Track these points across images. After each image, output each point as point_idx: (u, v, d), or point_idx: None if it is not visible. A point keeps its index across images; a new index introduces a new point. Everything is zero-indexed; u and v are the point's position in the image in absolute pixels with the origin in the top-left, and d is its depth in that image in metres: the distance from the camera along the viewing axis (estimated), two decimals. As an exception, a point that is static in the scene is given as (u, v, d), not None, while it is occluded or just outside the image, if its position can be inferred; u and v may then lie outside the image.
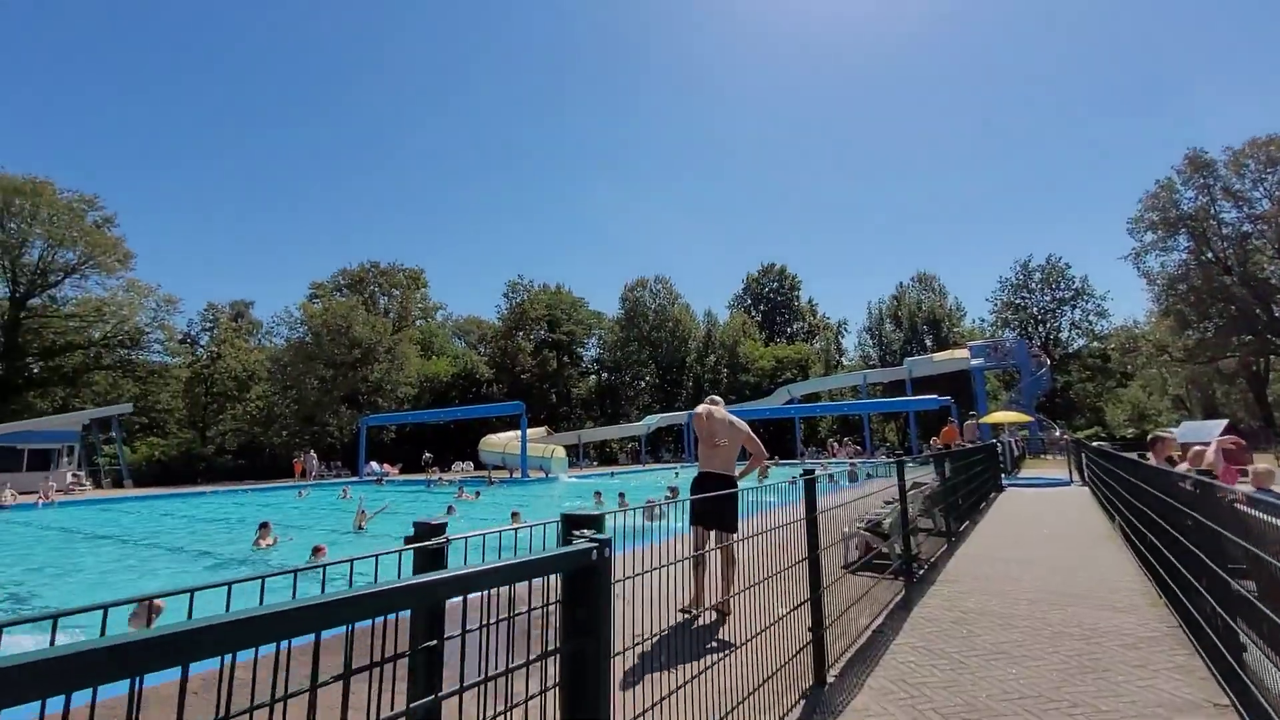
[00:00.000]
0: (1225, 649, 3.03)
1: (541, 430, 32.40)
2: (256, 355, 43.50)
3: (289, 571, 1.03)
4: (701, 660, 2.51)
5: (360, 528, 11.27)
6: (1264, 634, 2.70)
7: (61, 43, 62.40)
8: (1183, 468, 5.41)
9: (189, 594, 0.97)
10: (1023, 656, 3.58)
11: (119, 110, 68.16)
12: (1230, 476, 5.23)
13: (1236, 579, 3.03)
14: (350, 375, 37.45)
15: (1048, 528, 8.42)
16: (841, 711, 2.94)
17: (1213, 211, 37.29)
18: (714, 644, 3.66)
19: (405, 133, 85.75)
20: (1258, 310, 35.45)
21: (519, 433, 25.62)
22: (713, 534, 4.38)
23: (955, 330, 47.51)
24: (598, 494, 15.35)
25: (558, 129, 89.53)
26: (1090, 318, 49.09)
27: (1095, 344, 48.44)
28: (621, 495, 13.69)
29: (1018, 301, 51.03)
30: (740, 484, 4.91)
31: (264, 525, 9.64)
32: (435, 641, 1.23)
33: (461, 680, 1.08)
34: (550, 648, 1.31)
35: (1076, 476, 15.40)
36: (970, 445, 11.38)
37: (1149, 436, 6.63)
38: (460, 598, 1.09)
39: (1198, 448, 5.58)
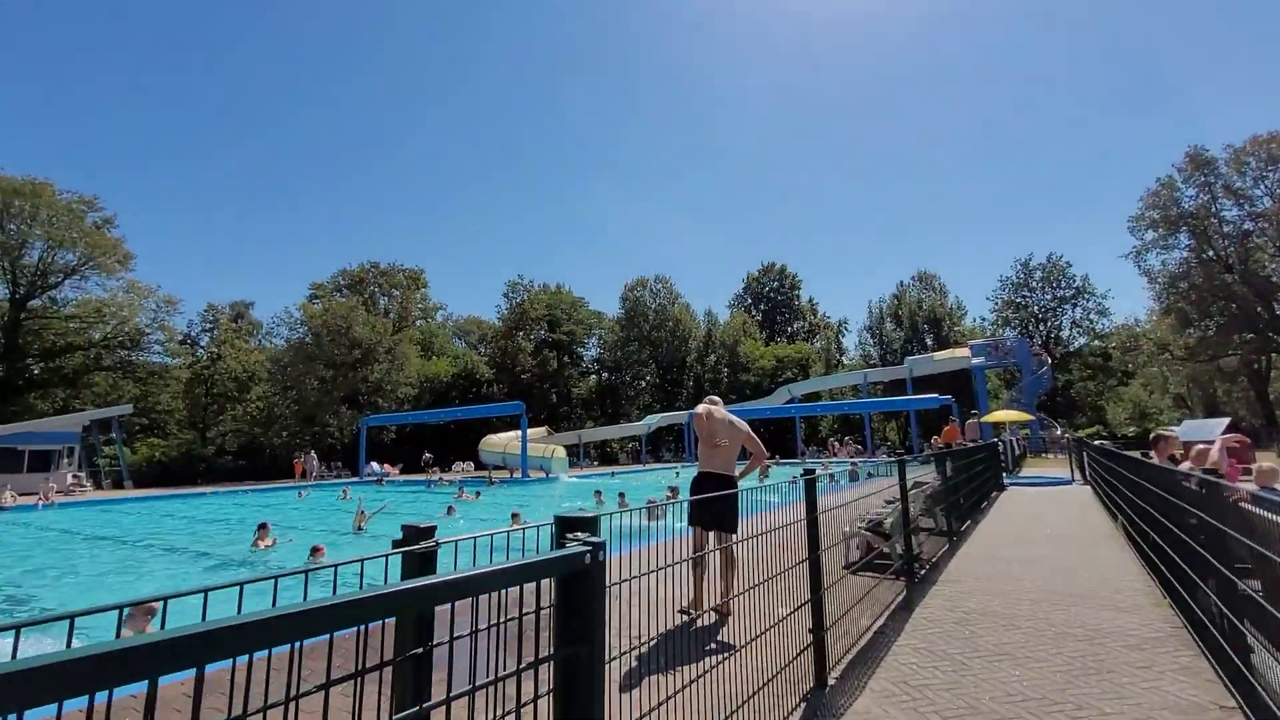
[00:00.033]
0: (1231, 650, 2.99)
1: (542, 430, 32.37)
2: (257, 356, 43.50)
3: (269, 578, 1.00)
4: (701, 663, 2.47)
5: (360, 528, 11.24)
6: (1271, 635, 2.67)
7: (61, 43, 62.44)
8: (1185, 466, 5.38)
9: (168, 599, 0.94)
10: (1026, 658, 3.54)
11: (118, 110, 68.23)
12: (1234, 475, 5.20)
13: (1242, 579, 2.99)
14: (350, 376, 37.44)
15: (1049, 527, 8.37)
16: (843, 714, 2.91)
17: (1214, 209, 37.21)
18: (714, 645, 3.62)
19: (405, 133, 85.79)
20: (1259, 308, 35.38)
21: (519, 433, 25.59)
22: (712, 534, 4.35)
23: (956, 329, 47.46)
24: (598, 493, 15.32)
25: (558, 129, 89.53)
26: (1091, 316, 49.08)
27: (1096, 342, 48.39)
28: (621, 495, 13.66)
29: (1018, 300, 50.98)
30: (741, 484, 4.88)
31: (262, 526, 9.62)
32: (423, 648, 1.19)
33: (449, 689, 1.05)
34: (544, 653, 1.28)
35: (1078, 475, 15.36)
36: (972, 444, 11.34)
37: (1152, 435, 6.59)
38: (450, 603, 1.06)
39: (1201, 446, 5.54)
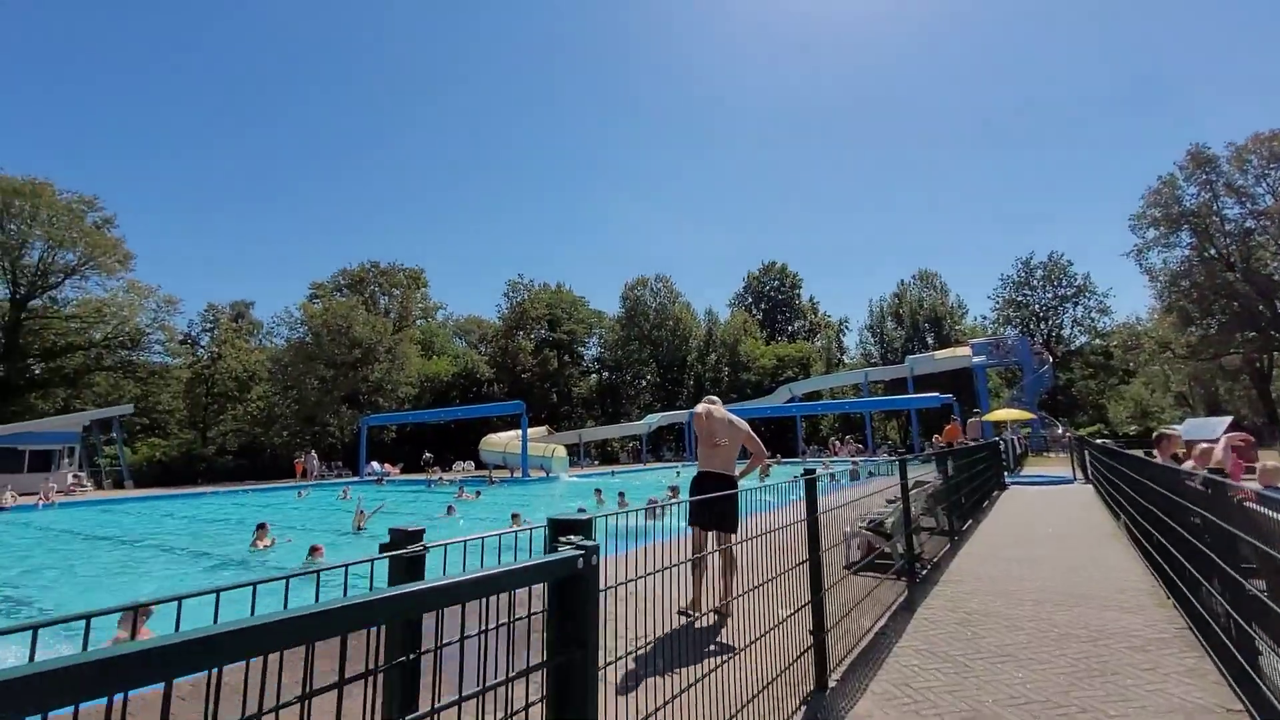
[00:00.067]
0: (1238, 652, 2.95)
1: (542, 430, 32.34)
2: (257, 355, 43.49)
3: (246, 585, 0.96)
4: (700, 666, 2.44)
5: (359, 528, 11.22)
6: (1278, 636, 2.63)
7: (61, 42, 62.42)
8: (1188, 465, 5.34)
9: (147, 604, 0.90)
10: (1029, 659, 3.51)
11: (118, 110, 68.20)
12: (1238, 474, 5.15)
13: (1247, 579, 2.95)
14: (351, 375, 37.42)
15: (1051, 526, 8.33)
16: (844, 718, 2.87)
17: (1215, 207, 37.12)
18: (713, 647, 3.59)
19: (405, 132, 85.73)
20: (1261, 307, 35.30)
21: (520, 432, 25.56)
22: (712, 535, 4.31)
23: (957, 328, 47.39)
24: (598, 491, 15.29)
25: (558, 128, 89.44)
26: (1092, 315, 49.02)
27: (1097, 341, 48.32)
28: (621, 495, 13.63)
29: (1019, 299, 50.90)
30: (741, 484, 4.85)
31: (261, 526, 9.59)
32: (412, 655, 1.16)
33: (434, 698, 1.01)
34: (537, 658, 1.25)
35: (1079, 474, 15.31)
36: (973, 443, 11.30)
37: (1155, 434, 6.55)
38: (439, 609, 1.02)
39: (1204, 445, 5.49)
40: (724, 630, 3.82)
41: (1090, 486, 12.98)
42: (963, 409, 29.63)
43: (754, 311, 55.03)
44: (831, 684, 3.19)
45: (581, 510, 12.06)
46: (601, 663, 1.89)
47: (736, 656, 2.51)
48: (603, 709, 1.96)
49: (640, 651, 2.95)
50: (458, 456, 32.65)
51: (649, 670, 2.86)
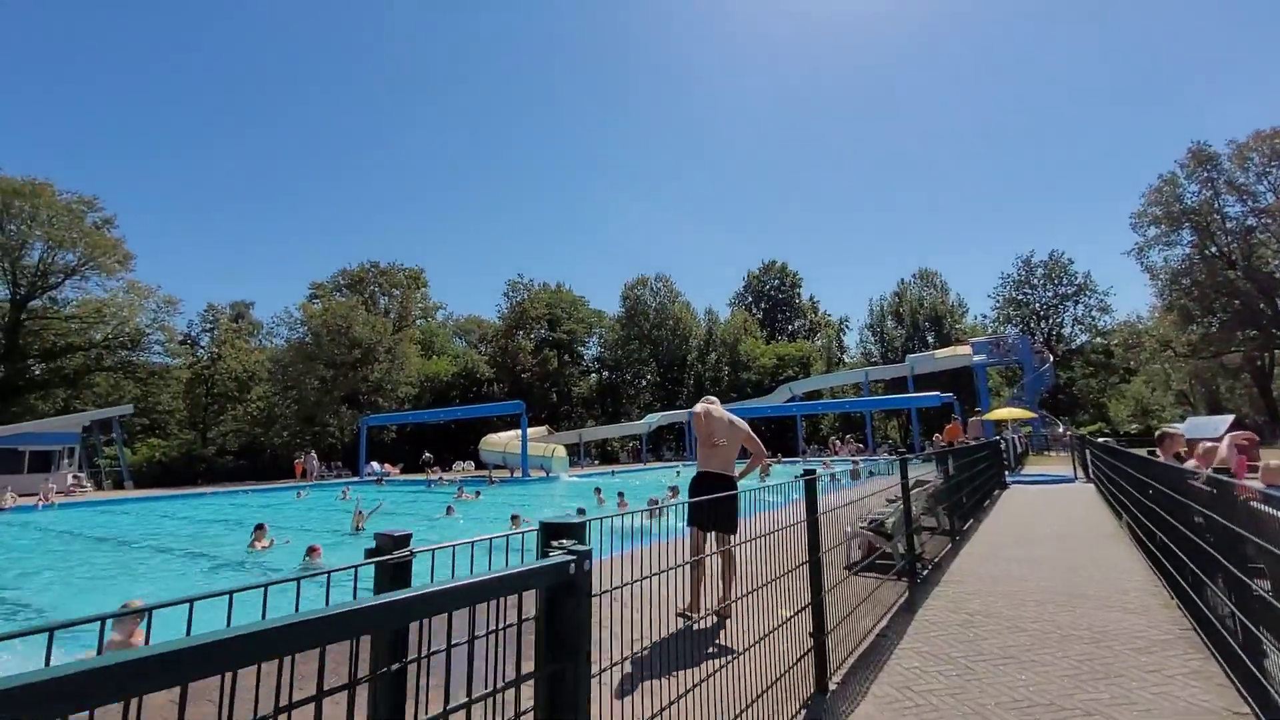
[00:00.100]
0: (1244, 653, 2.91)
1: (542, 429, 32.31)
2: (257, 356, 43.48)
3: (222, 594, 0.92)
4: (699, 669, 2.40)
5: (358, 528, 11.18)
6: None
7: (60, 42, 62.38)
8: (1191, 464, 5.30)
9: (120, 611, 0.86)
10: (1031, 661, 3.47)
11: (118, 110, 68.17)
12: (1242, 473, 5.11)
13: (1252, 579, 2.92)
14: (350, 375, 37.40)
15: (1053, 526, 8.29)
16: (844, 721, 2.83)
17: (1216, 205, 37.07)
18: (713, 649, 3.55)
19: (404, 132, 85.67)
20: (1262, 305, 35.24)
21: (519, 432, 25.54)
22: (711, 535, 4.27)
23: (957, 327, 47.32)
24: (598, 490, 15.25)
25: (558, 127, 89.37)
26: (1093, 313, 48.95)
27: (1098, 339, 48.25)
28: (621, 495, 13.60)
29: (1020, 297, 50.84)
30: (741, 484, 4.80)
31: (259, 527, 9.56)
32: (398, 664, 1.12)
33: (419, 711, 0.98)
34: (529, 665, 1.21)
35: (1081, 473, 15.27)
36: (974, 442, 11.25)
37: (1157, 433, 6.50)
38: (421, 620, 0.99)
39: (1208, 444, 5.45)
40: (723, 632, 3.78)
41: (1091, 485, 12.93)
42: (963, 408, 29.60)
43: (754, 311, 54.98)
44: (832, 687, 3.16)
45: (581, 511, 12.04)
46: (597, 669, 1.86)
47: (736, 659, 2.48)
48: (601, 714, 1.93)
49: (638, 654, 2.91)
50: (457, 456, 32.63)
51: (647, 673, 2.83)
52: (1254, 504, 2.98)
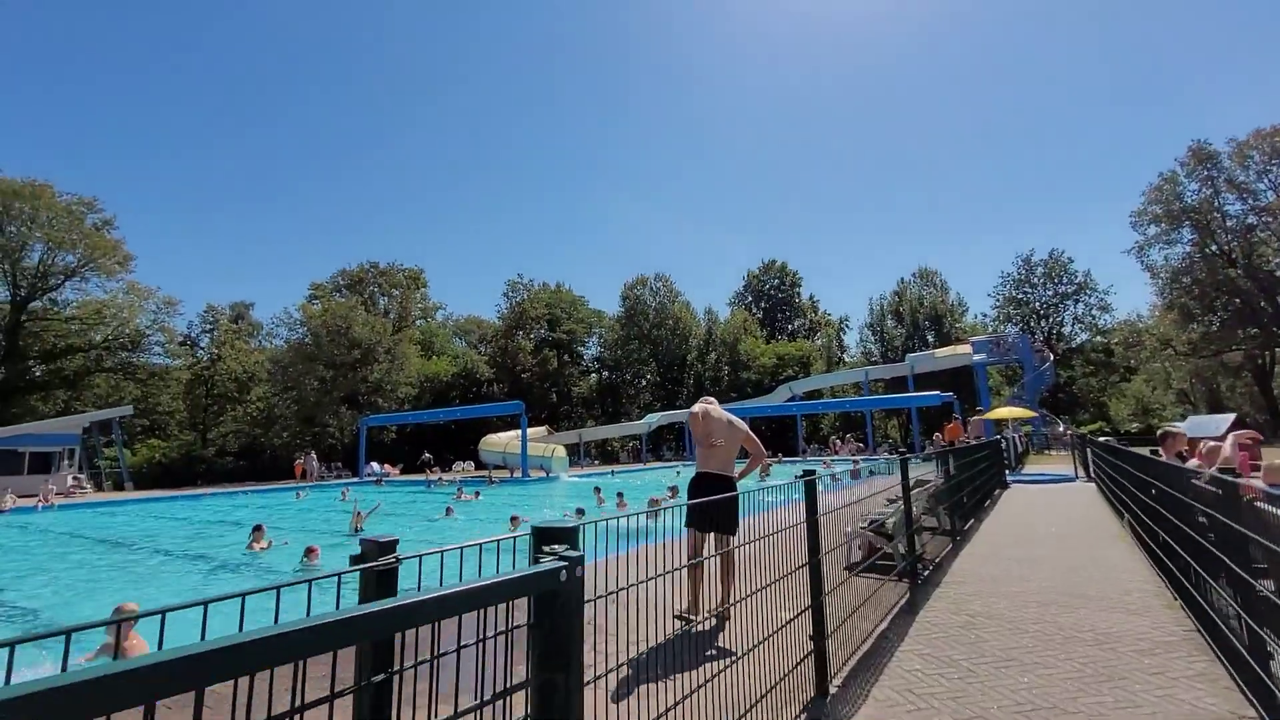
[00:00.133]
0: (1249, 656, 2.88)
1: (542, 429, 32.28)
2: (257, 357, 43.47)
3: (197, 604, 0.89)
4: (698, 672, 2.37)
5: (357, 529, 11.15)
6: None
7: (60, 42, 62.36)
8: (1193, 463, 5.26)
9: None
10: (1034, 664, 3.43)
11: (118, 110, 68.15)
12: (1246, 472, 5.07)
13: (1257, 579, 2.88)
14: (350, 376, 37.37)
15: (1054, 525, 8.26)
16: (845, 725, 2.80)
17: (1217, 204, 37.03)
18: (713, 651, 3.52)
19: (404, 132, 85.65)
20: (1263, 303, 35.19)
21: (519, 432, 25.51)
22: (711, 537, 4.24)
23: (957, 326, 47.25)
24: (597, 490, 15.22)
25: (557, 127, 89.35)
26: (1093, 312, 48.87)
27: (1098, 338, 48.19)
28: (620, 495, 13.56)
29: (1020, 296, 50.78)
30: (742, 484, 4.77)
31: (257, 528, 9.54)
32: (382, 676, 1.09)
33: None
34: (521, 672, 1.18)
35: (1082, 472, 15.23)
36: (975, 442, 11.22)
37: (1159, 432, 6.46)
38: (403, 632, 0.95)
39: (1212, 443, 5.41)
40: (723, 635, 3.75)
41: (1093, 485, 12.90)
42: (963, 407, 29.57)
43: (754, 310, 54.92)
44: (833, 690, 3.12)
45: (580, 511, 11.99)
46: (592, 675, 1.82)
47: (736, 663, 2.44)
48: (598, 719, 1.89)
49: (636, 659, 2.88)
50: (457, 457, 32.60)
51: (645, 677, 2.79)
52: (1259, 504, 2.95)
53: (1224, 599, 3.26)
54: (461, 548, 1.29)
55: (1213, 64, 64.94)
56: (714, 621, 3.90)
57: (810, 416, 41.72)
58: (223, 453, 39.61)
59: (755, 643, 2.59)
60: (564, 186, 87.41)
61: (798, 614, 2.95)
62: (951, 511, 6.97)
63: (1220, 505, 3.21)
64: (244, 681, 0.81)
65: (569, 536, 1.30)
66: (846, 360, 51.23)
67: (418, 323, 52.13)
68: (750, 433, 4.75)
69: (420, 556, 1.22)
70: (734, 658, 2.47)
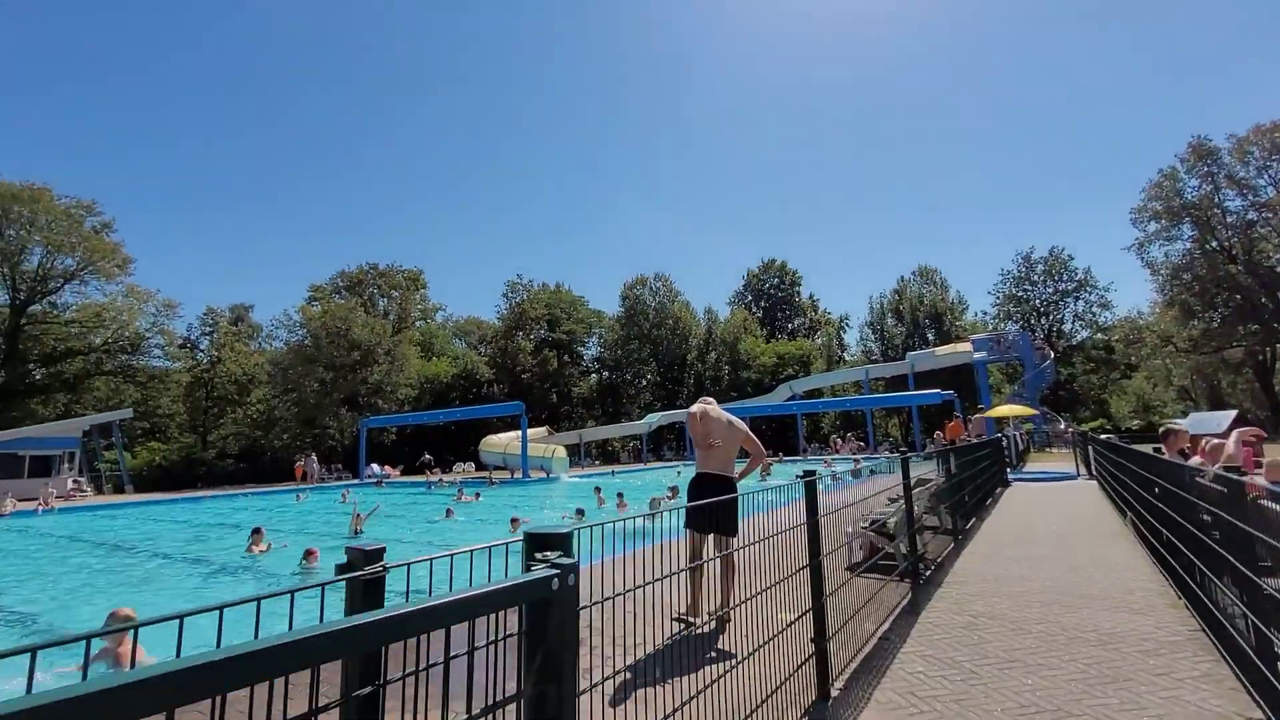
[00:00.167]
0: (1256, 656, 2.85)
1: (543, 430, 32.24)
2: (256, 359, 43.46)
3: (172, 618, 0.86)
4: (698, 675, 2.34)
5: (357, 531, 11.12)
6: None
7: (59, 43, 62.35)
8: (1195, 460, 5.22)
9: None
10: (1037, 665, 3.40)
11: (117, 110, 68.13)
12: (1250, 470, 5.03)
13: (1261, 578, 2.85)
14: (350, 377, 37.36)
15: (1056, 524, 8.22)
16: (847, 729, 2.76)
17: (1217, 200, 36.97)
18: (713, 654, 3.49)
19: (404, 133, 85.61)
20: (1264, 299, 35.13)
21: (520, 433, 25.47)
22: (710, 538, 4.21)
23: (957, 324, 47.20)
24: (597, 489, 15.18)
25: (558, 128, 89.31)
26: (1093, 309, 48.84)
27: (1099, 335, 48.14)
28: (620, 495, 13.52)
29: (1020, 294, 50.73)
30: (742, 484, 4.73)
31: (257, 531, 9.51)
32: (369, 689, 1.05)
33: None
34: (511, 685, 1.14)
35: (1083, 470, 15.19)
36: (976, 440, 11.18)
37: (1161, 429, 6.43)
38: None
39: (1215, 441, 5.37)
40: (723, 637, 3.72)
41: (1094, 482, 12.86)
42: (964, 405, 29.53)
43: (754, 309, 54.87)
44: (834, 693, 3.09)
45: (580, 512, 11.95)
46: (587, 682, 1.79)
47: (736, 667, 2.41)
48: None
49: (636, 663, 2.85)
50: (458, 458, 32.58)
51: (645, 681, 2.76)
52: (1264, 502, 2.91)
53: (1229, 598, 3.23)
54: (451, 555, 1.26)
55: (1213, 62, 64.88)
56: (714, 624, 3.87)
57: (811, 415, 41.67)
58: (223, 455, 39.61)
59: (756, 646, 2.56)
60: (564, 186, 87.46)
61: (799, 616, 2.92)
62: (953, 510, 6.94)
63: (1225, 503, 3.17)
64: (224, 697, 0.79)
65: (562, 543, 1.27)
66: (847, 359, 51.18)
67: (417, 324, 52.12)
68: (750, 433, 4.72)
69: (408, 565, 1.18)
70: (735, 662, 2.44)
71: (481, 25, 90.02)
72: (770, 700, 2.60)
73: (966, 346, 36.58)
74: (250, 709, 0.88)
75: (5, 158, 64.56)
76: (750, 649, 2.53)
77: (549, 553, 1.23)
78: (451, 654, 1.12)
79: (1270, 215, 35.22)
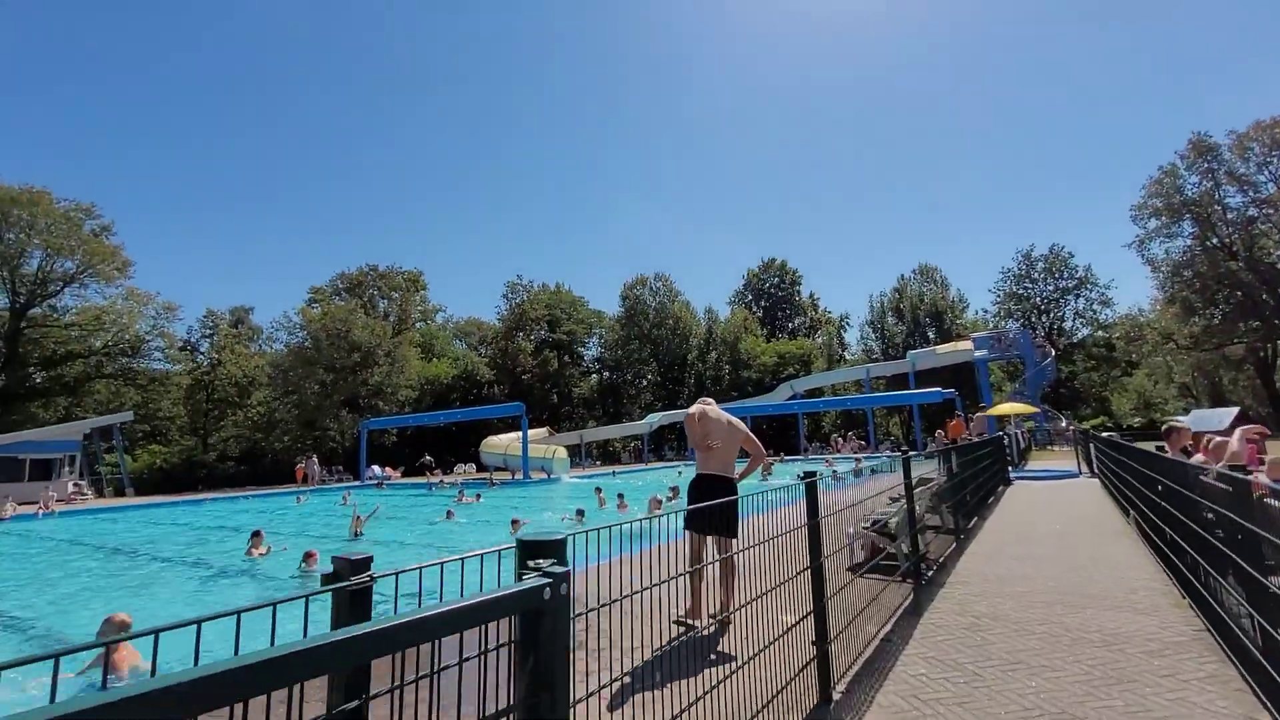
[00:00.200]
0: (1263, 657, 2.81)
1: (543, 431, 32.22)
2: (257, 361, 43.46)
3: (148, 633, 0.83)
4: (698, 679, 2.30)
5: (357, 534, 11.09)
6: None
7: (58, 43, 62.37)
8: (1198, 458, 5.19)
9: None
10: (1041, 666, 3.36)
11: (116, 111, 68.15)
12: (1254, 467, 4.99)
13: (1267, 576, 2.82)
14: (350, 379, 37.34)
15: (1059, 523, 8.18)
16: (849, 733, 2.73)
17: (1217, 196, 36.89)
18: (714, 656, 3.46)
19: (404, 133, 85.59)
20: (1264, 295, 35.04)
21: (520, 433, 25.45)
22: (710, 539, 4.18)
23: (958, 322, 47.14)
24: (598, 490, 15.15)
25: (558, 127, 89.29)
26: (1094, 306, 48.73)
27: (1100, 333, 48.05)
28: (621, 496, 13.49)
29: (1020, 291, 50.64)
30: (744, 484, 4.70)
31: (256, 534, 9.49)
32: (355, 703, 1.02)
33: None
34: (503, 696, 1.12)
35: (1085, 468, 15.14)
36: (977, 438, 11.14)
37: (1164, 427, 6.39)
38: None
39: (1217, 438, 5.34)
40: (724, 639, 3.69)
41: (1096, 480, 12.82)
42: (965, 404, 29.49)
43: (754, 309, 54.82)
44: (836, 697, 3.06)
45: (581, 512, 11.91)
46: (586, 690, 1.76)
47: (737, 672, 2.38)
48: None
49: (637, 667, 2.82)
50: (459, 459, 32.56)
51: (645, 686, 2.73)
52: (1269, 501, 2.88)
53: (1235, 598, 3.20)
54: (442, 563, 1.23)
55: (1212, 62, 64.78)
56: (715, 626, 3.84)
57: (812, 415, 41.62)
58: (224, 457, 39.59)
59: (757, 650, 2.53)
60: (564, 186, 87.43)
61: (800, 618, 2.89)
62: (955, 510, 6.91)
63: (1230, 502, 3.14)
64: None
65: (555, 550, 1.24)
66: (847, 358, 51.14)
67: (417, 325, 52.10)
68: (750, 433, 4.69)
69: (397, 574, 1.15)
70: (735, 666, 2.41)
71: (481, 25, 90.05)
72: (771, 705, 2.57)
73: (967, 345, 36.53)
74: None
75: (5, 158, 64.53)
76: (751, 653, 2.50)
77: (541, 560, 1.20)
78: (441, 665, 1.10)
79: (1271, 211, 35.15)
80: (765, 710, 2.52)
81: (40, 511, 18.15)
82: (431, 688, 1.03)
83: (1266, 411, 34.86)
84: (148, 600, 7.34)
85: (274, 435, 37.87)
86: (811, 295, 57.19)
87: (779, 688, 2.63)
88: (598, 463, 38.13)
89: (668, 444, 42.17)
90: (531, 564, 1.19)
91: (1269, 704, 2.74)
